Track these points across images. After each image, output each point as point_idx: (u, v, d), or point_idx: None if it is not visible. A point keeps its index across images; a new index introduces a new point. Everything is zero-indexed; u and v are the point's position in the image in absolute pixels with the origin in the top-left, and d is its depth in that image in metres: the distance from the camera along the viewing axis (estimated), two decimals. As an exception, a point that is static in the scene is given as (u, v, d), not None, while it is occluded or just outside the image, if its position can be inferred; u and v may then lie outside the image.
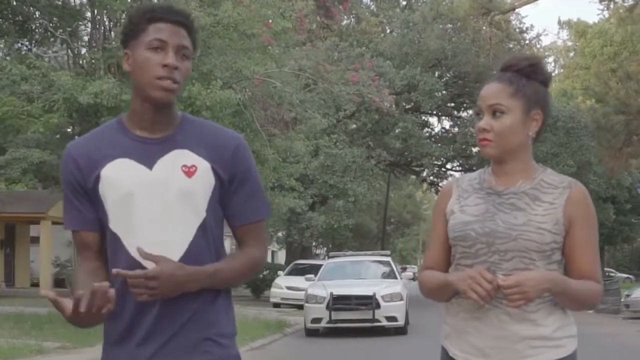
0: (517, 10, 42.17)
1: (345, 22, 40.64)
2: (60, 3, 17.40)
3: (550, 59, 60.27)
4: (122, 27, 2.80)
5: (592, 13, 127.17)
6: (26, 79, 15.22)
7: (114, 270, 2.49)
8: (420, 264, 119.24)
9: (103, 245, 2.72)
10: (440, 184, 48.14)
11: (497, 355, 2.83)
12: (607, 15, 45.47)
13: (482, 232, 2.83)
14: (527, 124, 2.87)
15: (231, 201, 2.73)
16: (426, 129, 43.50)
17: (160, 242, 2.59)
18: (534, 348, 2.81)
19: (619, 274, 55.26)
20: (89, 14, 18.09)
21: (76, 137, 17.72)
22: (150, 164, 2.64)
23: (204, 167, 2.65)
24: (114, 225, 2.64)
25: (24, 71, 15.24)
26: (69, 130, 17.76)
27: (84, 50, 18.26)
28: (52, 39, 18.24)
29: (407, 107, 38.92)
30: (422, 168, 44.44)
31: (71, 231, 2.76)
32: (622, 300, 27.27)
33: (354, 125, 37.21)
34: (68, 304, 2.41)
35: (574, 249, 2.85)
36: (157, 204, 2.62)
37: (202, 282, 2.58)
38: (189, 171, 2.64)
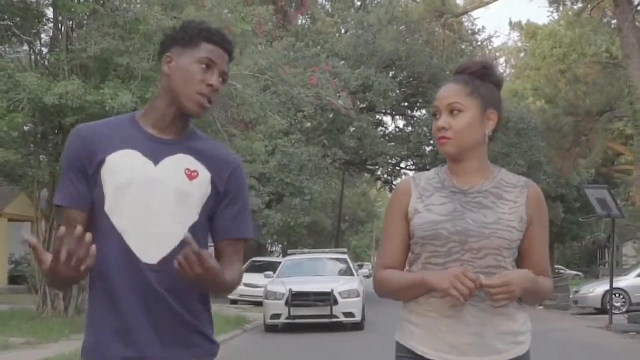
0: (469, 12, 42.74)
1: (301, 21, 40.94)
2: (22, 5, 17.46)
3: (502, 60, 60.88)
4: (170, 32, 2.84)
5: (542, 15, 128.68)
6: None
7: (185, 236, 2.47)
8: (374, 262, 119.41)
9: (87, 226, 2.71)
10: (394, 183, 48.60)
11: (472, 351, 2.85)
12: (556, 18, 46.19)
13: (455, 230, 2.86)
14: (483, 122, 2.93)
15: (221, 216, 2.82)
16: (380, 128, 43.91)
17: (153, 234, 2.67)
18: (507, 344, 2.88)
19: (569, 271, 55.95)
20: (50, 15, 18.16)
21: (39, 135, 17.88)
22: (156, 161, 2.74)
23: (205, 175, 2.77)
24: (110, 209, 2.69)
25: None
26: (26, 129, 17.79)
27: (45, 51, 18.32)
28: (14, 39, 18.27)
29: (362, 106, 39.26)
30: (377, 167, 44.81)
31: (58, 207, 2.78)
32: (571, 296, 27.66)
33: (309, 124, 37.53)
34: (48, 256, 2.46)
35: (532, 246, 2.95)
36: (155, 198, 2.70)
37: (217, 284, 2.63)
38: (191, 175, 2.75)
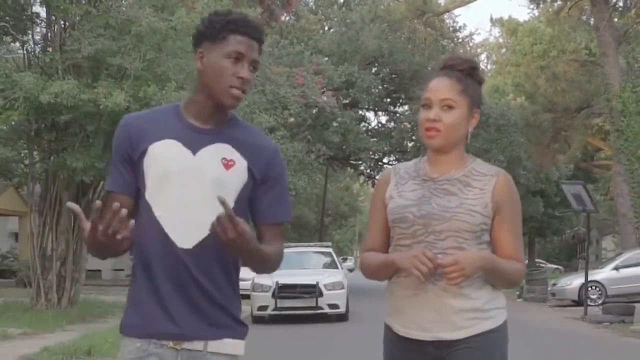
0: (450, 11, 43.09)
1: (285, 17, 41.14)
2: (14, 5, 17.76)
3: (483, 56, 61.16)
4: (199, 26, 2.89)
5: (523, 11, 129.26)
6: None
7: (220, 198, 2.58)
8: (357, 255, 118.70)
9: (133, 212, 2.85)
10: (376, 177, 48.90)
11: (435, 327, 3.02)
12: (537, 14, 46.61)
13: (419, 214, 3.03)
14: (469, 120, 3.08)
15: (261, 201, 2.93)
16: (363, 124, 44.09)
17: (189, 220, 2.79)
18: (468, 320, 3.01)
19: (549, 265, 56.36)
20: (43, 14, 18.48)
21: (32, 133, 18.25)
22: (194, 150, 2.84)
23: (241, 163, 2.87)
24: (150, 196, 2.83)
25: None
26: (12, 123, 17.97)
27: (37, 50, 18.64)
28: (7, 38, 18.58)
29: (345, 102, 39.44)
30: (360, 162, 44.97)
31: (108, 192, 2.93)
32: (549, 289, 28.08)
33: (292, 119, 37.65)
34: (88, 224, 2.60)
35: (500, 231, 3.07)
36: (192, 186, 2.81)
37: (253, 251, 2.74)
38: (227, 164, 2.85)
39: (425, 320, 3.03)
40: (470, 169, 3.12)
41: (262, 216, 2.97)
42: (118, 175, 2.90)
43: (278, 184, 2.97)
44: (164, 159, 2.83)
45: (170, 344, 2.83)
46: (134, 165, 2.87)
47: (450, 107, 3.03)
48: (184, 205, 2.81)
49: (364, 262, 3.25)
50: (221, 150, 2.87)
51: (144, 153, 2.85)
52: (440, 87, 3.06)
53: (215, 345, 2.86)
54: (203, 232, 2.78)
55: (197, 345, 2.84)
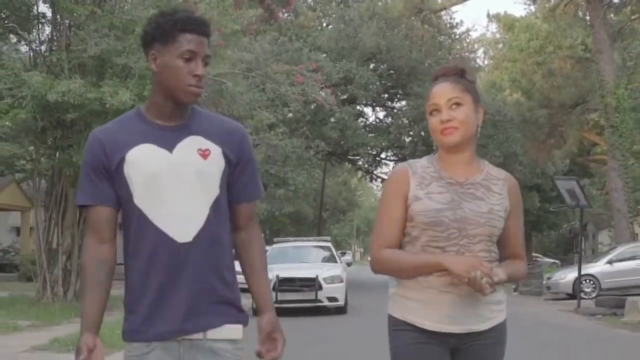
0: (447, 8, 43.23)
1: (284, 14, 41.29)
2: (18, 5, 18.01)
3: (480, 51, 61.17)
4: (147, 27, 2.94)
5: (519, 7, 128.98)
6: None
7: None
8: (354, 249, 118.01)
9: (114, 223, 2.96)
10: (374, 172, 49.14)
11: (468, 320, 3.12)
12: (533, 10, 46.75)
13: (454, 218, 3.09)
14: (476, 116, 3.18)
15: (236, 181, 3.03)
16: (361, 119, 44.24)
17: (183, 215, 2.87)
18: (492, 311, 3.18)
19: (545, 259, 56.47)
20: (49, 14, 18.74)
21: (38, 130, 18.54)
22: (170, 148, 2.91)
23: (216, 151, 2.94)
24: (139, 201, 2.88)
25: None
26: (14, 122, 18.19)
27: (43, 49, 18.88)
28: (12, 36, 18.83)
29: (343, 98, 39.58)
30: (358, 157, 45.23)
31: (83, 208, 2.96)
32: (544, 282, 28.36)
33: (290, 114, 37.77)
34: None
35: (510, 232, 3.24)
36: (178, 183, 2.88)
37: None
38: (204, 154, 2.92)
39: (460, 314, 3.11)
40: (486, 172, 3.24)
41: (238, 196, 3.07)
42: (92, 187, 2.94)
43: (250, 163, 3.08)
44: (145, 163, 2.89)
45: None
46: (111, 175, 2.91)
47: (458, 104, 3.11)
48: (175, 203, 2.88)
49: (388, 259, 3.21)
50: (194, 142, 2.94)
51: (122, 161, 2.89)
52: (444, 90, 3.15)
53: (214, 333, 2.94)
54: (198, 223, 2.90)
55: (197, 335, 2.93)
